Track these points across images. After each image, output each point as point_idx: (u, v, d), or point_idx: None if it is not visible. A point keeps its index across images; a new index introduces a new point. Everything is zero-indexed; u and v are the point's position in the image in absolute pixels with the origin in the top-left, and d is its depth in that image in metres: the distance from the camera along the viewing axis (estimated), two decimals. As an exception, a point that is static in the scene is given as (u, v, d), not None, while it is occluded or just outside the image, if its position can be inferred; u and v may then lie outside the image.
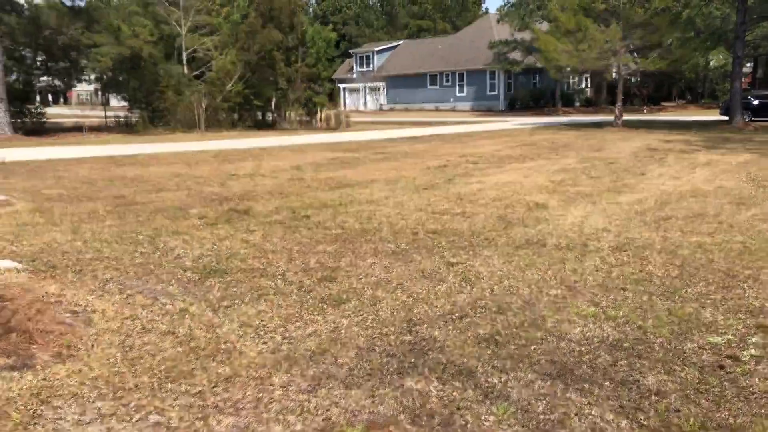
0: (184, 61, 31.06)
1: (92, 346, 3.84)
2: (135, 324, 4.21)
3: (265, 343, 3.92)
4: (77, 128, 26.18)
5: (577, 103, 54.06)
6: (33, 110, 26.37)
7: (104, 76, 29.06)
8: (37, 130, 25.37)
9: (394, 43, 63.76)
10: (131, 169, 13.72)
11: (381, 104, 60.52)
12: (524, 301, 4.74)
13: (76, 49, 26.99)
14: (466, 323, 4.26)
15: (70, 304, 4.46)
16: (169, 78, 28.19)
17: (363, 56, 62.77)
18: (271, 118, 31.70)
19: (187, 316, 4.38)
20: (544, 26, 37.34)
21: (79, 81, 29.82)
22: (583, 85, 56.85)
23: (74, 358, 3.66)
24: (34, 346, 3.77)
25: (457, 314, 4.44)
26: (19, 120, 25.54)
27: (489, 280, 5.29)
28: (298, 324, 4.26)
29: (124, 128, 27.72)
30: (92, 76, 31.41)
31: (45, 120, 26.80)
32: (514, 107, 51.44)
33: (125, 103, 31.08)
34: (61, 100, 51.51)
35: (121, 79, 28.01)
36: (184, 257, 5.93)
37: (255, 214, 8.29)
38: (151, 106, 28.03)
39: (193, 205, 9.08)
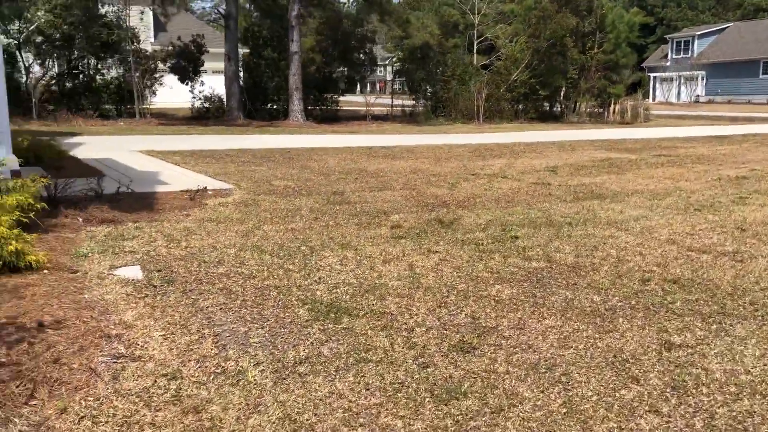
0: (475, 51, 30.48)
1: (84, 417, 2.91)
2: (168, 387, 3.20)
3: (282, 464, 2.60)
4: (365, 117, 27.25)
5: None
6: (328, 98, 28.07)
7: (394, 67, 29.83)
8: (330, 117, 26.94)
9: (721, 26, 55.89)
10: (378, 162, 13.25)
11: (697, 96, 53.58)
12: (763, 456, 2.66)
13: (371, 41, 28.02)
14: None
15: (126, 341, 3.64)
16: (455, 68, 27.83)
17: (680, 41, 56.18)
18: (558, 109, 29.56)
19: (239, 384, 3.25)
20: None
21: (372, 71, 31.07)
22: None
23: (46, 435, 2.76)
24: (27, 405, 2.97)
25: (620, 464, 2.60)
26: (316, 108, 27.41)
27: (717, 392, 3.22)
28: None
29: (407, 118, 28.12)
30: (393, 67, 32.56)
31: (338, 108, 28.38)
32: None
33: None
34: (367, 88, 55.07)
35: (408, 68, 28.43)
36: (321, 284, 4.84)
37: (457, 228, 6.91)
38: (435, 96, 27.96)
39: (400, 209, 8.03)
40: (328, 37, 27.40)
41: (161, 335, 3.75)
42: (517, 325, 4.10)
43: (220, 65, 27.07)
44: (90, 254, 5.37)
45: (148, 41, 34.36)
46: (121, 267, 5.03)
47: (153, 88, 30.69)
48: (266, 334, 3.85)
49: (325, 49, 27.30)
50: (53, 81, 28.25)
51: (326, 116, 27.11)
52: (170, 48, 28.33)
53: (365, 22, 27.89)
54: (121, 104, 27.58)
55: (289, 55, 24.35)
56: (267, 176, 10.79)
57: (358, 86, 50.93)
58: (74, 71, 28.12)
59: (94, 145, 15.90)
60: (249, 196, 8.69)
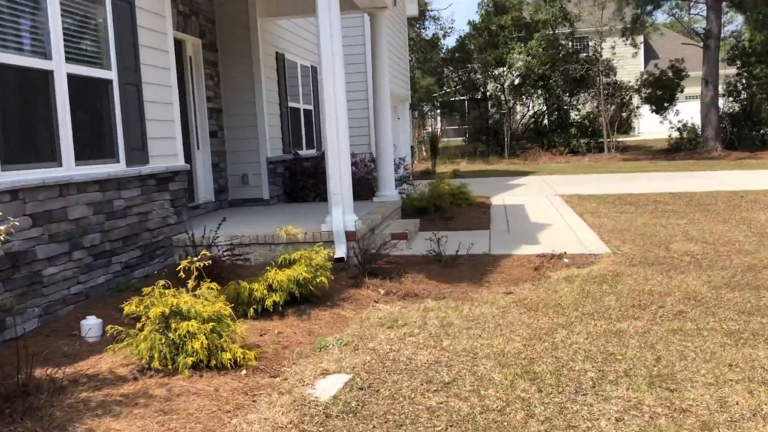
0: None
1: None
2: None
3: None
4: None
5: None
6: None
7: None
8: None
9: None
10: None
11: None
12: None
13: None
14: None
15: None
16: None
17: None
18: None
19: None
20: None
21: None
22: None
23: None
24: None
25: None
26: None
27: None
28: None
29: None
30: None
31: None
32: None
33: None
34: None
35: None
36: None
37: None
38: None
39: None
40: None
41: None
42: None
43: (698, 90, 23.95)
44: (329, 347, 4.60)
45: (635, 70, 32.72)
46: (333, 374, 4.11)
47: (629, 120, 29.23)
48: None
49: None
50: (532, 120, 29.44)
51: None
52: (645, 77, 26.46)
53: None
54: (592, 139, 26.93)
55: (783, 71, 19.86)
56: (674, 234, 8.48)
57: None
58: (549, 109, 28.74)
59: (528, 187, 15.50)
60: (615, 267, 6.77)
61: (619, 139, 27.41)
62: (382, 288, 6.02)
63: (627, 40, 25.14)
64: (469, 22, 28.73)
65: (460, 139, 33.53)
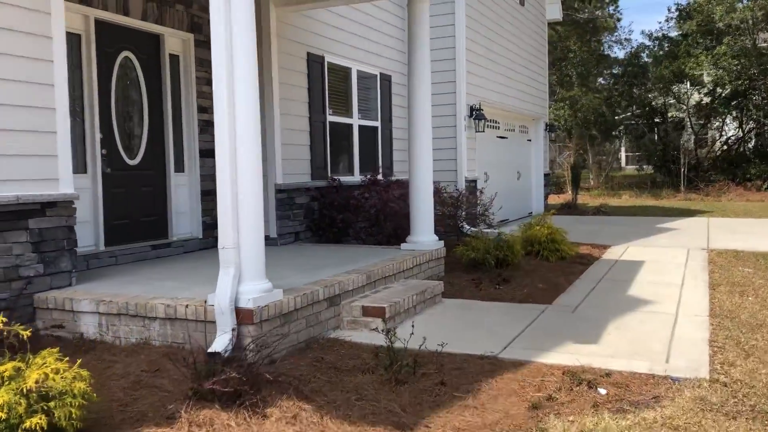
0: None
1: None
2: None
3: None
4: None
5: None
6: None
7: None
8: None
9: None
10: None
11: None
12: None
13: None
14: None
15: None
16: None
17: None
18: None
19: None
20: None
21: None
22: None
23: None
24: None
25: None
26: None
27: None
28: None
29: None
30: None
31: None
32: None
33: None
34: None
35: None
36: None
37: None
38: None
39: None
40: None
41: None
42: None
43: None
44: None
45: None
46: None
47: None
48: None
49: None
50: (724, 148, 24.37)
51: None
52: None
53: None
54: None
55: None
56: None
57: None
58: (747, 134, 23.54)
59: (678, 233, 11.63)
60: (692, 419, 3.50)
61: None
62: (210, 427, 3.39)
63: None
64: (643, 32, 24.51)
65: (634, 167, 28.93)
